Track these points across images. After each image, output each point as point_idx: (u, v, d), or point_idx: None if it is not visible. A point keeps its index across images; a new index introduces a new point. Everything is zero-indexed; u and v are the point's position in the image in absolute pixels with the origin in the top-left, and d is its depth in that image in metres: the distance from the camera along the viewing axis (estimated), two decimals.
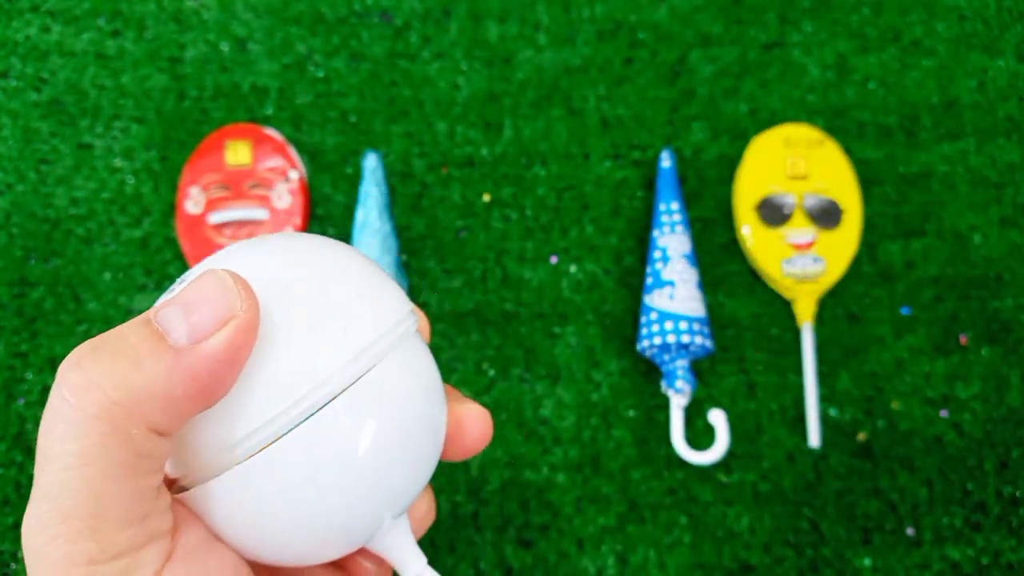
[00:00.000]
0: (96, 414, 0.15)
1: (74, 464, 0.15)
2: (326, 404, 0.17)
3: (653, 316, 0.45)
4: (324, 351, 0.18)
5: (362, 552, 0.22)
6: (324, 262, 0.19)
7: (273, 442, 0.17)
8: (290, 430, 0.17)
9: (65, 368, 0.15)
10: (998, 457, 0.47)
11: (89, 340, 0.16)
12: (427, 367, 0.21)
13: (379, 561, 0.23)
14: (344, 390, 0.18)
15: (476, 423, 0.23)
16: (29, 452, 0.45)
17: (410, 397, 0.19)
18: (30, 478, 0.44)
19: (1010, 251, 0.50)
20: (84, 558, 0.15)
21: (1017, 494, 0.46)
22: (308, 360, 0.17)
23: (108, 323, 0.47)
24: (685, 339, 0.44)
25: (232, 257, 0.19)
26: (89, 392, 0.15)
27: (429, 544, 0.44)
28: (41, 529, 0.15)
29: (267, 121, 0.50)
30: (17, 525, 0.44)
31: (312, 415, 0.17)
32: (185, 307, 0.15)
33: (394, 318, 0.19)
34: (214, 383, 0.15)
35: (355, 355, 0.18)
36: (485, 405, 0.40)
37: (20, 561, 0.43)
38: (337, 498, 0.18)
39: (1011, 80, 0.52)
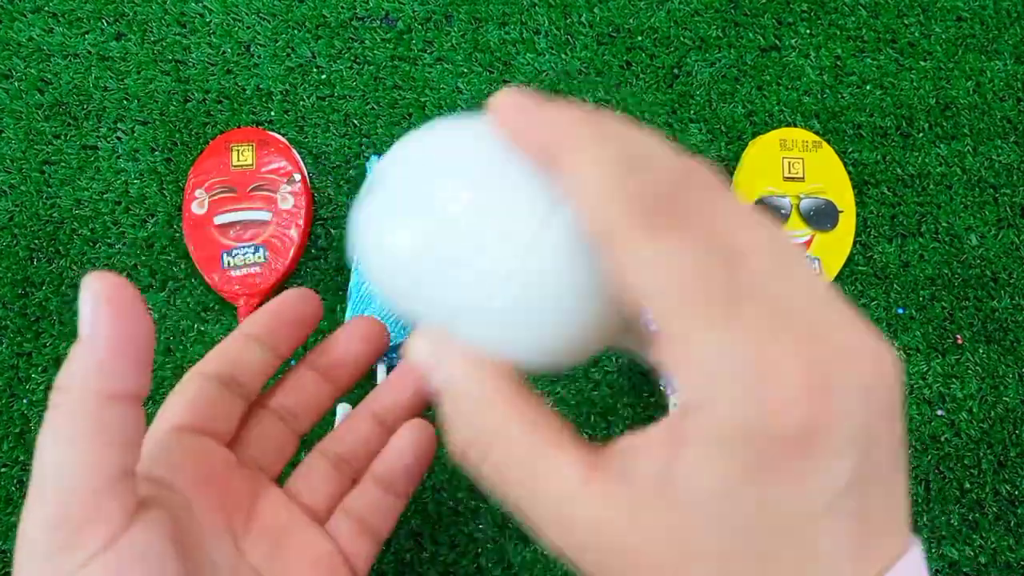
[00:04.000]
0: (59, 402, 0.19)
1: (51, 439, 0.19)
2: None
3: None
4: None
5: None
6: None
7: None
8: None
9: None
10: (996, 456, 0.47)
11: None
12: None
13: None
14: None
15: None
16: (32, 451, 0.45)
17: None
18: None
19: (1007, 251, 0.50)
20: (42, 518, 0.18)
21: (1015, 493, 0.47)
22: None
23: None
24: None
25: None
26: (55, 395, 0.19)
27: (431, 540, 0.45)
28: (27, 505, 0.19)
29: (271, 124, 0.50)
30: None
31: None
32: (80, 320, 0.19)
33: None
34: (122, 336, 0.19)
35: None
36: None
37: None
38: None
39: (1008, 81, 0.53)
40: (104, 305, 0.19)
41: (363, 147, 0.50)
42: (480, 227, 0.19)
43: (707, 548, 0.16)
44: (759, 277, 0.17)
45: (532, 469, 0.18)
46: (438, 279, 0.20)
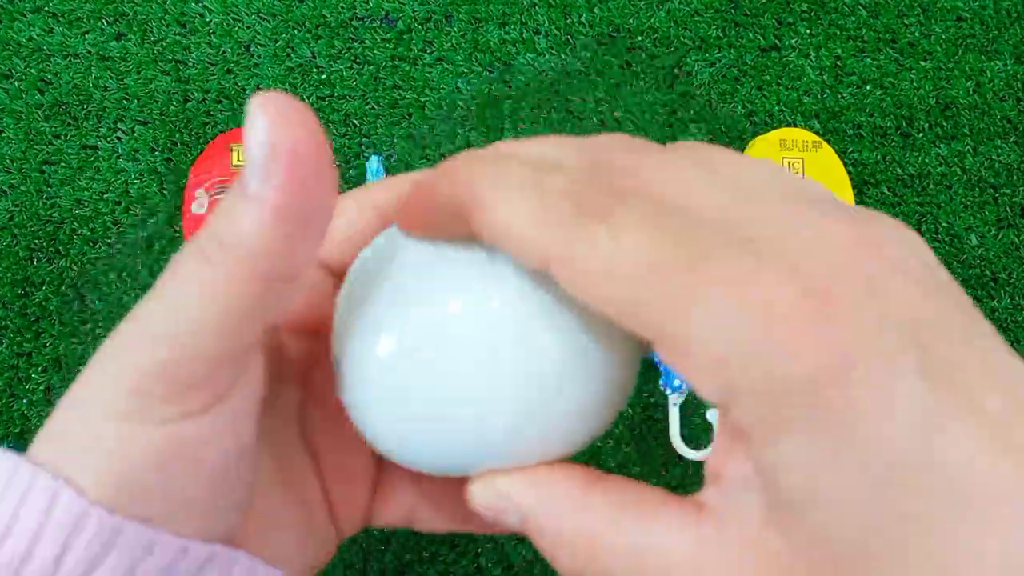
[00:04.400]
0: (220, 261, 0.15)
1: (200, 292, 0.16)
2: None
3: None
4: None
5: None
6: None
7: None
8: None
9: None
10: None
11: None
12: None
13: None
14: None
15: None
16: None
17: None
18: None
19: (1007, 251, 0.50)
20: (157, 361, 0.16)
21: None
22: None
23: (114, 323, 0.47)
24: None
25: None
26: (215, 249, 0.15)
27: (431, 540, 0.45)
28: (138, 325, 0.17)
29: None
30: None
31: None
32: (247, 161, 0.15)
33: None
34: (302, 210, 0.15)
35: None
36: None
37: None
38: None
39: (1008, 81, 0.53)
40: (293, 164, 0.14)
41: (363, 147, 0.50)
42: (440, 344, 0.17)
43: (855, 542, 0.13)
44: (711, 217, 0.14)
45: (652, 546, 0.16)
46: (439, 421, 0.18)
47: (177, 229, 0.48)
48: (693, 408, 0.47)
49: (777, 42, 0.53)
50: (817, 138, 0.50)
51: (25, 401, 0.46)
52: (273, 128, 0.14)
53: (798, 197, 0.15)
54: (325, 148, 0.15)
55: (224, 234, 0.15)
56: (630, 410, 0.47)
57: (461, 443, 0.18)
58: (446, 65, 0.51)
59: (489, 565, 0.44)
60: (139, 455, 0.16)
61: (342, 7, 0.52)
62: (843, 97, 0.52)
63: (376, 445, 0.20)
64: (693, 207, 0.15)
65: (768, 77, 0.52)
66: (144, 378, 0.16)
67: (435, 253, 0.18)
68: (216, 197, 0.48)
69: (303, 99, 0.50)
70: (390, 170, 0.50)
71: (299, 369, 0.22)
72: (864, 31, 0.53)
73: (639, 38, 0.53)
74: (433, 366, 0.17)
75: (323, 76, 0.51)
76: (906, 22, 0.54)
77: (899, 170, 0.51)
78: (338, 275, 0.21)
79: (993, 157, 0.52)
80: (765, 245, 0.14)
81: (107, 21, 0.51)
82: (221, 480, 0.17)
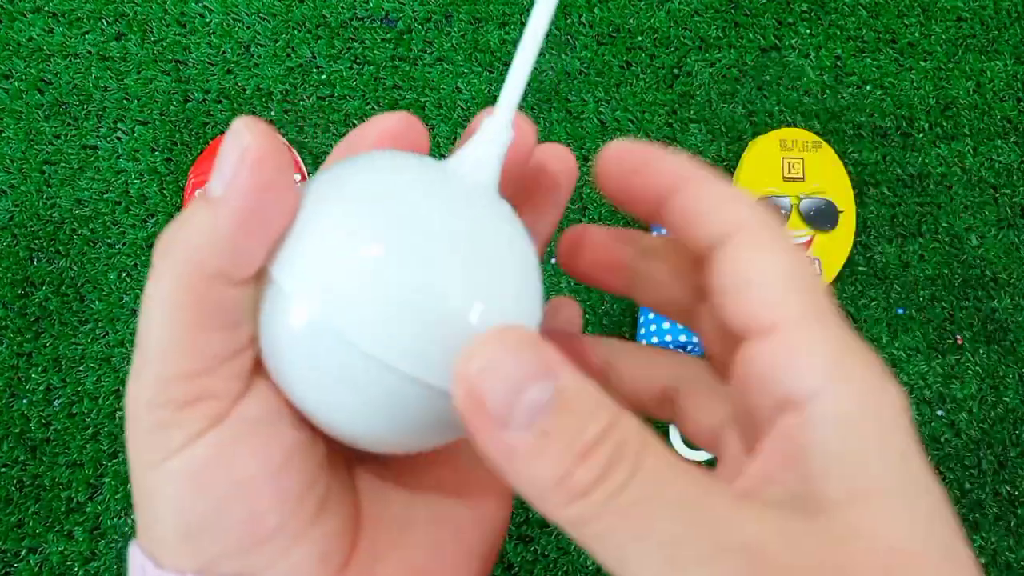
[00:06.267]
0: (164, 270, 0.16)
1: (151, 314, 0.16)
2: None
3: (652, 316, 0.45)
4: None
5: None
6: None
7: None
8: None
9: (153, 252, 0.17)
10: (996, 456, 0.47)
11: None
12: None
13: None
14: None
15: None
16: (32, 451, 0.45)
17: None
18: (33, 477, 0.45)
19: (1007, 251, 0.50)
20: (144, 398, 0.16)
21: (1015, 494, 0.47)
22: None
23: (114, 323, 0.47)
24: (683, 339, 0.44)
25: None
26: (159, 258, 0.16)
27: None
28: (131, 376, 0.16)
29: (271, 124, 0.50)
30: (21, 524, 0.44)
31: None
32: (215, 171, 0.16)
33: None
34: (256, 212, 0.16)
35: None
36: None
37: (22, 561, 0.44)
38: None
39: (1008, 81, 0.53)
40: (248, 168, 0.15)
41: None
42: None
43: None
44: None
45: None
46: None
47: None
48: None
49: (777, 42, 0.53)
50: (817, 138, 0.50)
51: (25, 401, 0.46)
52: (243, 144, 0.15)
53: None
54: (287, 160, 0.16)
55: (172, 240, 0.16)
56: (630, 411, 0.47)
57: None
58: (446, 65, 0.51)
59: None
60: (181, 492, 0.16)
61: (342, 7, 0.52)
62: (843, 97, 0.52)
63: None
64: None
65: (768, 77, 0.52)
66: (144, 415, 0.16)
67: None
68: None
69: (303, 99, 0.50)
70: None
71: None
72: (864, 31, 0.53)
73: (639, 38, 0.53)
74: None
75: (323, 76, 0.51)
76: (906, 22, 0.54)
77: (899, 170, 0.51)
78: None
79: (993, 157, 0.52)
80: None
81: (107, 21, 0.51)
82: (269, 495, 0.16)
